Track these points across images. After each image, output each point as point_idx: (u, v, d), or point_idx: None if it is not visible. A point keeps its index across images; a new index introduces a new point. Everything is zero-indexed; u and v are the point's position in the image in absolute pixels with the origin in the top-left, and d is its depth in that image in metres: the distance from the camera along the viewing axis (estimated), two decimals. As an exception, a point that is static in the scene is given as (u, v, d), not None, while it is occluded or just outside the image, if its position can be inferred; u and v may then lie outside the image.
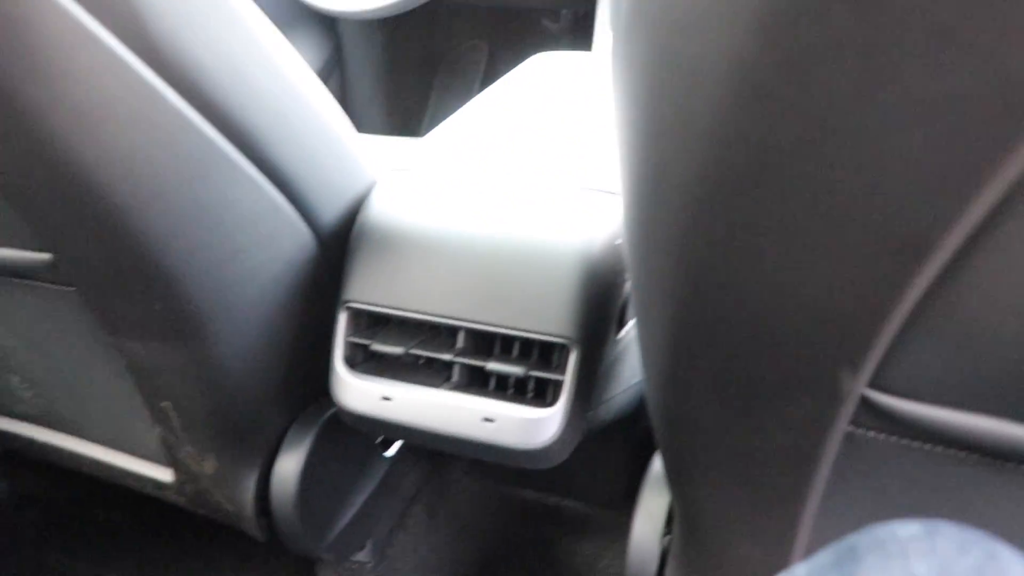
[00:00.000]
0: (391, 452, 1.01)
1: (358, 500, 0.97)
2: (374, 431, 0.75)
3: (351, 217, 0.75)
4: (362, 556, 1.09)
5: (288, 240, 0.71)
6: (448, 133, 0.85)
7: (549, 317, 0.66)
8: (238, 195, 0.65)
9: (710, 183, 0.37)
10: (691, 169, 0.37)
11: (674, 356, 0.49)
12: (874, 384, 0.45)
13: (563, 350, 0.67)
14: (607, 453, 1.09)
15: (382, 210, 0.74)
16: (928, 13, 0.28)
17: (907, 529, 0.35)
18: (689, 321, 0.46)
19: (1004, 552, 0.34)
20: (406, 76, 1.83)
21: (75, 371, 0.85)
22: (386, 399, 0.71)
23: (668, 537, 0.73)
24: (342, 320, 0.73)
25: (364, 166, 0.77)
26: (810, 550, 0.60)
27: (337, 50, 1.71)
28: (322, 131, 0.70)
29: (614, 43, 0.41)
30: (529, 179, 0.74)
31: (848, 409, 0.46)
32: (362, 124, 1.77)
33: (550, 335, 0.66)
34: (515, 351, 0.70)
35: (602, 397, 0.73)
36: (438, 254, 0.70)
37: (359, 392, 0.72)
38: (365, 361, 0.75)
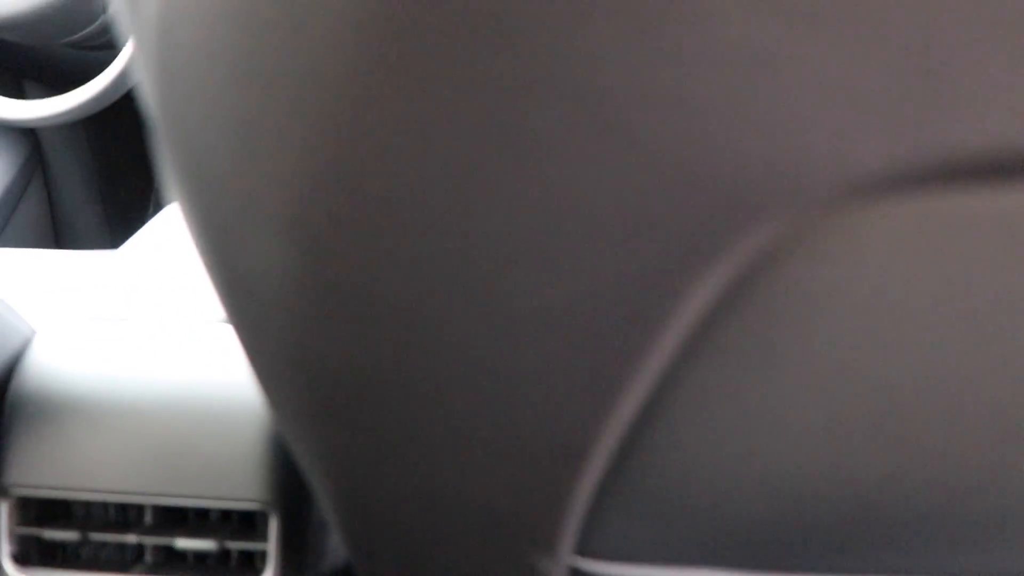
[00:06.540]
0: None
1: None
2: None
3: (2, 385, 0.63)
4: None
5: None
6: (123, 259, 0.75)
7: (239, 482, 0.57)
8: None
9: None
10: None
11: (352, 545, 0.41)
12: (581, 551, 0.39)
13: (264, 515, 0.58)
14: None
15: (41, 372, 0.62)
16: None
17: None
18: (354, 500, 0.38)
19: None
20: (121, 173, 1.67)
21: None
22: None
23: None
24: (3, 510, 0.61)
25: (13, 320, 0.65)
26: None
27: (36, 152, 1.55)
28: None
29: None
30: (205, 315, 0.65)
31: (557, 579, 0.40)
32: (75, 233, 1.62)
33: (242, 500, 0.57)
34: (212, 519, 0.60)
35: (325, 549, 0.64)
36: (111, 420, 0.60)
37: (34, 593, 0.60)
38: (41, 553, 0.63)
